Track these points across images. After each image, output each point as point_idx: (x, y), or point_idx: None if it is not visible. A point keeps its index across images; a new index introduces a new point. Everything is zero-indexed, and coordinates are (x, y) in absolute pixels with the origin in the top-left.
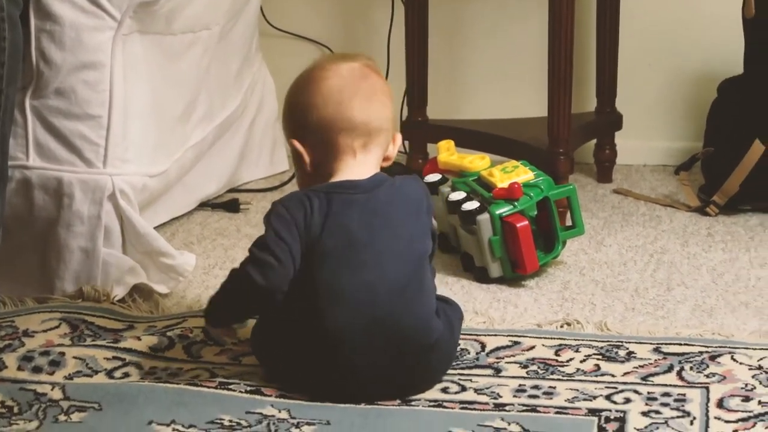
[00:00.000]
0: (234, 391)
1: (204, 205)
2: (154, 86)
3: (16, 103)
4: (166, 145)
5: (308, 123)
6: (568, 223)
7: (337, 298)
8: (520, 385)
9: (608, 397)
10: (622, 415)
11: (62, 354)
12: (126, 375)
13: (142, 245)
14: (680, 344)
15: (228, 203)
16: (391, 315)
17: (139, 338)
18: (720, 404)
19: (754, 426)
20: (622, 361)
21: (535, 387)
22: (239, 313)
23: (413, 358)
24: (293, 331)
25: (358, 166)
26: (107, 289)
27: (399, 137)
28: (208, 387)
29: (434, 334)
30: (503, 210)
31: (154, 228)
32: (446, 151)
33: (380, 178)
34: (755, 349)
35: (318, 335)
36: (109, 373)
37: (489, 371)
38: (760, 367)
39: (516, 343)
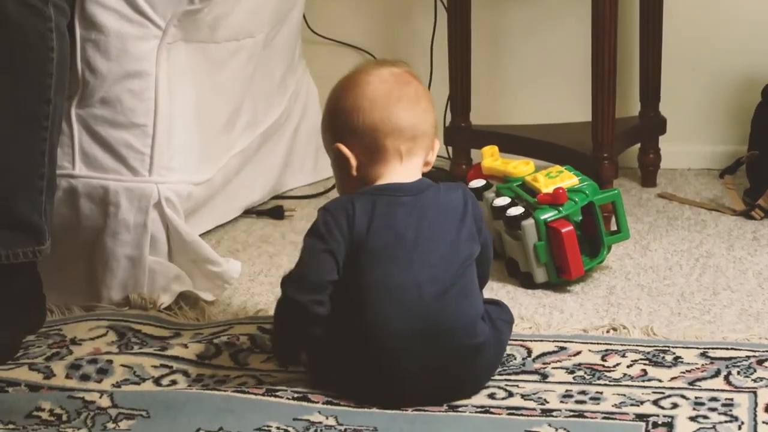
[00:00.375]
0: (281, 397)
1: (248, 212)
2: (199, 94)
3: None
4: (211, 152)
5: (355, 126)
6: (613, 227)
7: (386, 295)
8: (566, 391)
9: (655, 402)
10: (669, 420)
11: (110, 362)
12: (173, 383)
13: (187, 253)
14: (727, 349)
15: (272, 210)
16: (437, 314)
17: (185, 346)
18: None
19: None
20: (669, 366)
21: (582, 392)
22: (305, 340)
23: (458, 359)
24: (340, 330)
25: (403, 170)
26: (153, 297)
27: (437, 143)
28: (255, 394)
29: (479, 336)
30: (548, 215)
31: (200, 236)
32: (490, 157)
33: (425, 182)
34: None
35: (365, 332)
36: (157, 381)
37: (536, 377)
38: None
39: (562, 348)
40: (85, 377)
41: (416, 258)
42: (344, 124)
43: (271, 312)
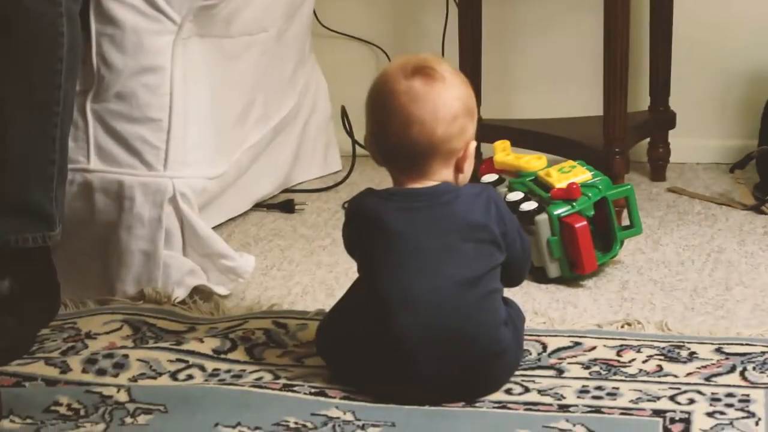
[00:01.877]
0: (298, 392)
1: (259, 205)
2: (213, 89)
3: (77, 107)
4: (225, 147)
5: (375, 131)
6: (626, 222)
7: (405, 303)
8: (583, 386)
9: (672, 398)
10: (686, 416)
11: (126, 356)
12: (190, 377)
13: (202, 247)
14: (742, 344)
15: (283, 204)
16: (457, 322)
17: (201, 340)
18: None
19: None
20: (685, 362)
21: (599, 388)
22: None
23: (480, 366)
24: (360, 333)
25: (419, 177)
26: (168, 291)
27: (472, 146)
28: (273, 389)
29: (502, 343)
30: (561, 210)
31: (212, 229)
32: (502, 151)
33: (443, 188)
34: None
35: (385, 339)
36: (173, 375)
37: (551, 372)
38: None
39: (577, 343)
40: (101, 372)
41: (433, 266)
42: (370, 125)
43: (285, 306)
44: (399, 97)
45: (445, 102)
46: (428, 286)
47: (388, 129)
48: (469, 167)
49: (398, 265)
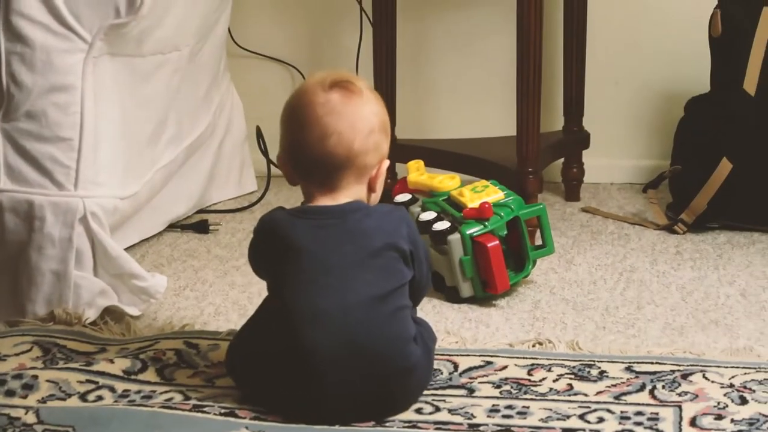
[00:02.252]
0: (208, 413)
1: (173, 226)
2: (124, 108)
3: None
4: (137, 166)
5: (290, 146)
6: (538, 242)
7: (314, 320)
8: (493, 405)
9: (582, 417)
10: None
11: (35, 377)
12: (99, 398)
13: (113, 268)
14: (652, 363)
15: (197, 224)
16: (366, 338)
17: (111, 361)
18: (693, 423)
19: None
20: (595, 380)
21: (509, 407)
22: None
23: (390, 382)
24: (269, 351)
25: (328, 198)
26: (79, 312)
27: (384, 164)
28: (183, 410)
29: (411, 358)
30: (474, 230)
31: (124, 250)
32: (416, 171)
33: (354, 206)
34: (726, 367)
35: (294, 356)
36: (83, 397)
37: (462, 391)
38: (731, 386)
39: (488, 363)
40: (10, 393)
41: (340, 283)
42: (282, 142)
43: (197, 326)
44: (316, 108)
45: (363, 115)
46: (337, 303)
47: (305, 141)
48: (380, 186)
49: (307, 282)
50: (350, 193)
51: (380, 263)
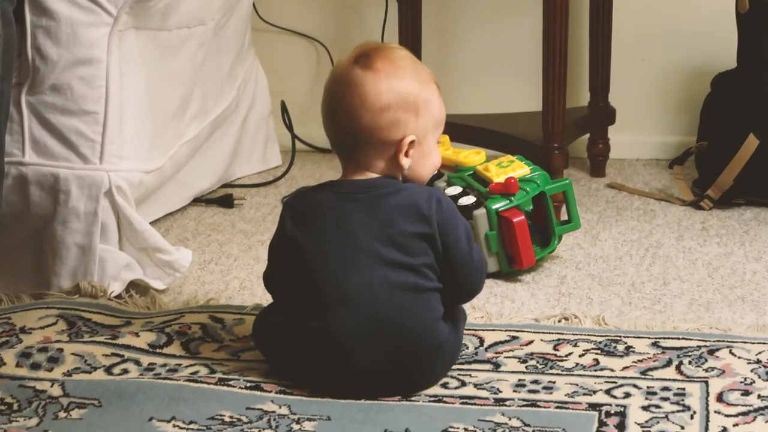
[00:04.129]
0: (234, 387)
1: (198, 200)
2: (150, 82)
3: (12, 100)
4: (162, 140)
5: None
6: (564, 217)
7: (340, 297)
8: (519, 380)
9: (608, 392)
10: (622, 409)
11: (60, 350)
12: (125, 371)
13: (138, 241)
14: (678, 338)
15: (222, 198)
16: (393, 316)
17: (137, 334)
18: (720, 398)
19: (754, 420)
20: (621, 356)
21: (535, 382)
22: None
23: (417, 360)
24: (296, 326)
25: (357, 173)
26: (104, 286)
27: (407, 139)
28: (208, 383)
29: (440, 336)
30: (500, 205)
31: (149, 224)
32: (441, 146)
33: (382, 182)
34: (753, 343)
35: (321, 333)
36: (108, 370)
37: (488, 366)
38: (758, 361)
39: (514, 338)
40: (35, 366)
41: (371, 261)
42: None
43: (222, 301)
44: (335, 84)
45: (376, 91)
46: (365, 281)
47: (324, 117)
48: (408, 163)
49: (334, 258)
50: (378, 169)
51: (405, 241)
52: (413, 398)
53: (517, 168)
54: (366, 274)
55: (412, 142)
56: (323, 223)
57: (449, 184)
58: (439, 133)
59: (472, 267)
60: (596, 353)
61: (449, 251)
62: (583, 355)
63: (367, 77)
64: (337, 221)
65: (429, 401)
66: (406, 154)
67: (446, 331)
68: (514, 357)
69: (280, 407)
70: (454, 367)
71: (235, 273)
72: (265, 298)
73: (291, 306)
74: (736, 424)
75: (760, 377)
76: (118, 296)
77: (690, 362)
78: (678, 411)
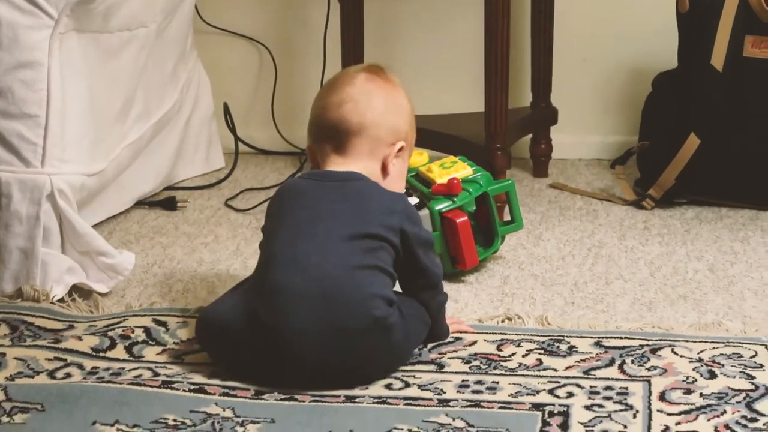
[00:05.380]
0: (177, 390)
1: (141, 203)
2: (92, 84)
3: None
4: (104, 143)
5: (312, 116)
6: (507, 218)
7: (288, 261)
8: (463, 381)
9: (551, 392)
10: (565, 409)
11: (3, 355)
12: (68, 375)
13: (81, 245)
14: (621, 338)
15: (165, 201)
16: (336, 284)
17: (80, 338)
18: (662, 397)
19: (696, 419)
20: (564, 356)
21: (479, 382)
22: None
23: (352, 337)
24: (239, 311)
25: (339, 164)
26: (46, 289)
27: (398, 145)
28: (152, 386)
29: (374, 313)
30: (443, 206)
31: (92, 227)
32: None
33: (357, 175)
34: (695, 341)
35: (261, 295)
36: (51, 374)
37: (432, 367)
38: (700, 360)
39: (458, 338)
40: None
41: (325, 233)
42: (310, 117)
43: (165, 304)
44: (342, 81)
45: (383, 95)
46: (316, 249)
47: (326, 104)
48: (395, 170)
49: (295, 227)
50: (361, 165)
51: (368, 225)
52: (357, 399)
53: (460, 169)
54: (320, 244)
55: (401, 149)
56: (296, 202)
57: None
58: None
59: (431, 273)
60: (539, 353)
61: (409, 245)
62: (526, 355)
63: (377, 83)
64: (309, 201)
65: (373, 402)
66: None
67: (387, 313)
68: (457, 357)
69: (224, 410)
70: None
71: (178, 276)
72: (209, 301)
73: (237, 294)
74: (678, 423)
75: (702, 376)
76: (61, 300)
77: (632, 361)
78: (621, 410)
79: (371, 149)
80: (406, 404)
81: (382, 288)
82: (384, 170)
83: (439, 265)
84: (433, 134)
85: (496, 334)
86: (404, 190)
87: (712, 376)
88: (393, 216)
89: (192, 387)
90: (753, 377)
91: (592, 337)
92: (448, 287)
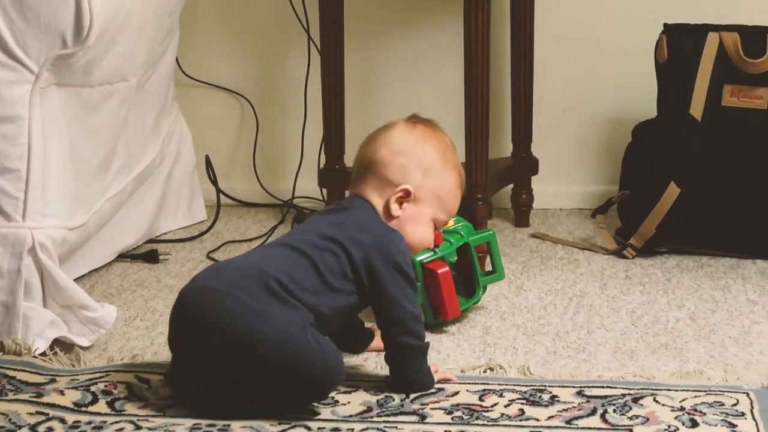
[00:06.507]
0: None
1: (123, 256)
2: (73, 138)
3: None
4: (85, 197)
5: None
6: (488, 268)
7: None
8: (445, 431)
9: None
10: None
11: None
12: (50, 429)
13: (62, 298)
14: (603, 387)
15: (147, 254)
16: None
17: (62, 392)
18: None
19: None
20: (546, 405)
21: None
22: None
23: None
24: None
25: (353, 192)
26: (28, 343)
27: (401, 186)
28: None
29: (270, 282)
30: (424, 257)
31: (74, 280)
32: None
33: (357, 202)
34: (677, 390)
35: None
36: (33, 428)
37: (414, 418)
38: (682, 408)
39: (440, 389)
40: None
41: (278, 242)
42: None
43: (148, 357)
44: (382, 127)
45: (405, 139)
46: (253, 253)
47: (357, 151)
48: (394, 208)
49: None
50: (369, 199)
51: (325, 231)
52: None
53: None
54: (262, 250)
55: (406, 191)
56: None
57: None
58: (442, 217)
59: (397, 312)
60: (521, 403)
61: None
62: (508, 405)
63: (404, 127)
64: (302, 226)
65: None
66: (398, 202)
67: (278, 287)
68: (440, 408)
69: None
70: (380, 418)
71: (160, 328)
72: None
73: None
74: None
75: (684, 424)
76: (43, 354)
77: (614, 410)
78: None
79: (378, 187)
80: None
81: (284, 267)
82: (386, 211)
83: (414, 303)
84: None
85: (478, 384)
86: (425, 246)
87: (694, 424)
88: (353, 245)
89: None
90: (734, 425)
91: (574, 387)
92: (430, 338)
